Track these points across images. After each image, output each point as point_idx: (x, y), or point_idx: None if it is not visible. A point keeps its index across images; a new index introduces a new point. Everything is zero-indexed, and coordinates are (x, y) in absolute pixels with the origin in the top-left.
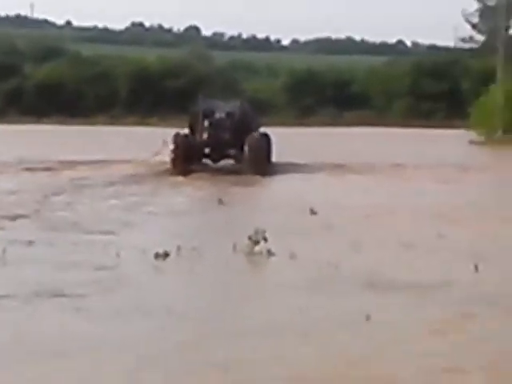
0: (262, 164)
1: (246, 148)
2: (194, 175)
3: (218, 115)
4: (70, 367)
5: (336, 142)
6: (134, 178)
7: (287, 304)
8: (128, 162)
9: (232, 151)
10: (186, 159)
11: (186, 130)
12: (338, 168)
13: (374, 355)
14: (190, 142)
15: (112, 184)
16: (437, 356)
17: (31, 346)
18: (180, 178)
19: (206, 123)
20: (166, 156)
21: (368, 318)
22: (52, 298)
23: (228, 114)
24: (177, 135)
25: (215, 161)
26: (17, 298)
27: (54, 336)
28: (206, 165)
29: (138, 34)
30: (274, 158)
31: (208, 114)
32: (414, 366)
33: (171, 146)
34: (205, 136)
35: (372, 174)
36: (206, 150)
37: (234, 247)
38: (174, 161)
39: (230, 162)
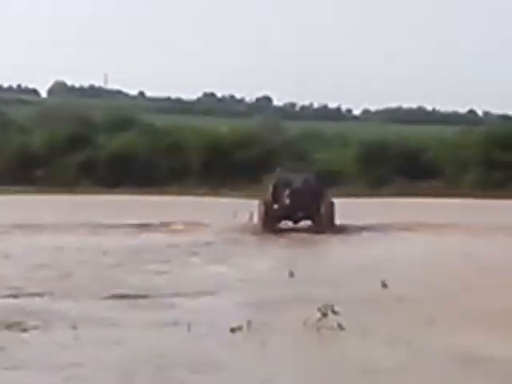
0: (334, 224)
1: (322, 210)
2: (270, 240)
3: (296, 184)
4: None
5: (406, 210)
6: (210, 245)
7: None
8: (204, 227)
9: (310, 214)
10: (274, 221)
11: (257, 201)
12: (405, 231)
13: None
14: (275, 206)
15: (192, 249)
16: None
17: None
18: (254, 246)
19: (287, 192)
20: (239, 224)
21: None
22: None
23: (304, 184)
24: (265, 202)
25: (296, 222)
26: None
27: None
28: (286, 226)
29: (210, 104)
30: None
31: (287, 184)
32: None
33: (261, 209)
34: (287, 202)
35: (441, 237)
36: (288, 213)
37: (305, 322)
38: (263, 221)
39: (308, 222)
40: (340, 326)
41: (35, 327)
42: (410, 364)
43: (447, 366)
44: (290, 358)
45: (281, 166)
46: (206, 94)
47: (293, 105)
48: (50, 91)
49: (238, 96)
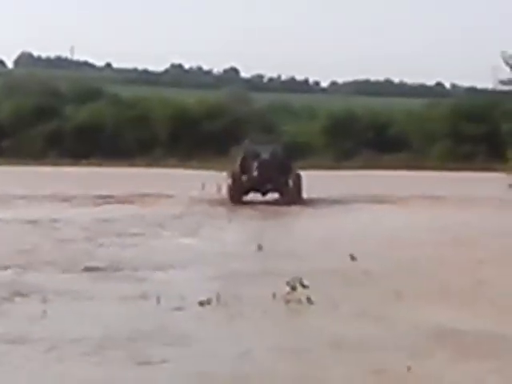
0: (301, 197)
1: (290, 183)
2: (238, 212)
3: (264, 156)
4: None
5: (374, 183)
6: (178, 217)
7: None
8: (172, 199)
9: (277, 186)
10: (242, 193)
11: (224, 173)
12: (373, 203)
13: None
14: (243, 178)
15: (160, 221)
16: None
17: None
18: (222, 218)
19: (256, 164)
20: (207, 196)
21: (409, 368)
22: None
23: (272, 156)
24: (233, 174)
25: (263, 194)
26: None
27: None
28: (255, 197)
29: (177, 75)
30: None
31: (256, 156)
32: None
33: (229, 181)
34: (255, 174)
35: (409, 209)
36: (256, 185)
37: (274, 295)
38: (231, 193)
39: (275, 195)
40: (309, 300)
41: (5, 300)
42: (380, 337)
43: (416, 340)
44: (259, 332)
45: (249, 137)
46: (173, 66)
47: (260, 77)
48: (17, 62)
49: (206, 67)
